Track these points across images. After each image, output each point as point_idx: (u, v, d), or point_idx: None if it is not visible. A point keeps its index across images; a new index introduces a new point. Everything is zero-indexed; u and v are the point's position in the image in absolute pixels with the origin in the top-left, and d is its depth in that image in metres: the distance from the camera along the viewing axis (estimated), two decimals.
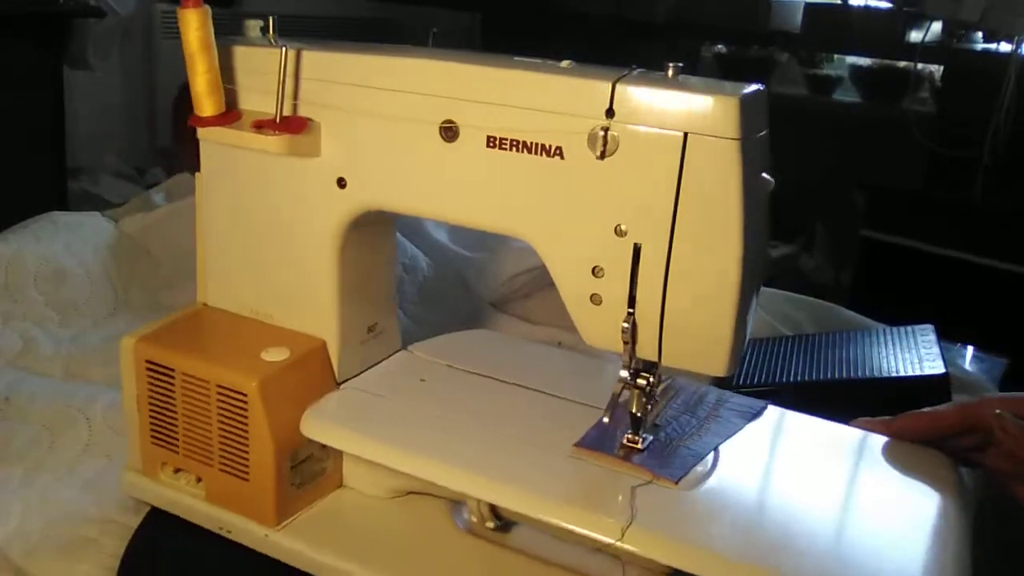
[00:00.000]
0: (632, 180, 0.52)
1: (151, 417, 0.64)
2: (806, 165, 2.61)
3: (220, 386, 0.59)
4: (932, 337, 0.86)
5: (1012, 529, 0.64)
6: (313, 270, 0.63)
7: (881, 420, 0.64)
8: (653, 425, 0.60)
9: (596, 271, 0.54)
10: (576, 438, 0.58)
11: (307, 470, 0.62)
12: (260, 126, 0.59)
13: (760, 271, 0.54)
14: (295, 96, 0.60)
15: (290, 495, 0.61)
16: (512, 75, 0.54)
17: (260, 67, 0.61)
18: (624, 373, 0.56)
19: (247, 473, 0.60)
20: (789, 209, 2.72)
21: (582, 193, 0.53)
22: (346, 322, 0.64)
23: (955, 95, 2.20)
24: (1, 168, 1.82)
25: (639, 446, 0.57)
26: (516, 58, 0.57)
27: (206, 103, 0.58)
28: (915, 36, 2.20)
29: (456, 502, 0.62)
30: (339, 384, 0.65)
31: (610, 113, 0.51)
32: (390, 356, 0.70)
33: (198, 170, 0.66)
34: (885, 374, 0.80)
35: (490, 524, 0.59)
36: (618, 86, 0.51)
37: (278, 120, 0.58)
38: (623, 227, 0.53)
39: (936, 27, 2.20)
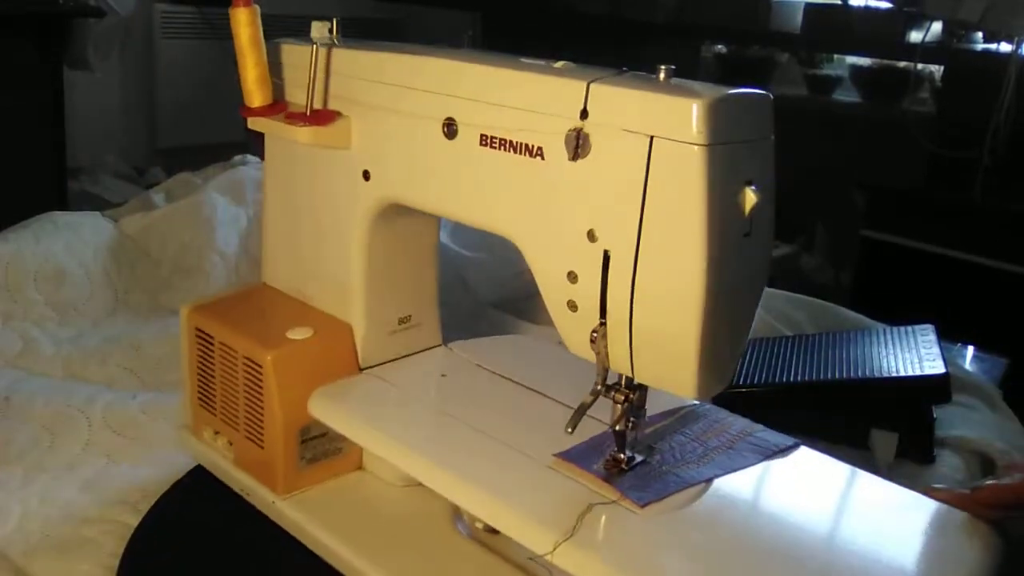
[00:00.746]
0: (603, 183, 0.50)
1: (198, 380, 0.69)
2: (806, 165, 2.61)
3: (245, 357, 0.63)
4: (932, 337, 0.86)
5: None
6: (342, 257, 0.66)
7: (959, 493, 0.56)
8: (648, 446, 0.57)
9: (571, 276, 0.52)
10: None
11: (319, 447, 0.63)
12: (292, 118, 0.62)
13: (754, 287, 0.51)
14: (326, 91, 0.64)
15: (299, 468, 0.63)
16: (499, 73, 0.54)
17: (301, 63, 0.65)
18: (599, 386, 0.53)
19: (262, 442, 0.63)
20: (789, 209, 2.72)
21: (558, 195, 0.52)
22: (373, 310, 0.66)
23: (955, 95, 2.20)
24: (1, 168, 1.82)
25: (623, 465, 0.54)
26: (511, 57, 0.57)
27: (255, 95, 0.63)
28: (915, 36, 2.20)
29: None
30: (362, 369, 0.66)
31: (584, 114, 0.50)
32: (427, 350, 0.70)
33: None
34: (885, 374, 0.80)
35: (479, 523, 0.58)
36: (593, 87, 0.49)
37: (308, 113, 0.62)
38: (596, 232, 0.50)
39: (936, 27, 2.20)
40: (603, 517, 0.50)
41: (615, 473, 0.54)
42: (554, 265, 0.53)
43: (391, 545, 0.59)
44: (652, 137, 0.47)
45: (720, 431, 0.59)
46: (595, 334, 0.52)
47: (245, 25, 0.62)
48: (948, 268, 1.98)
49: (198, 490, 0.68)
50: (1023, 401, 0.93)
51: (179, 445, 0.71)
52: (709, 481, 0.54)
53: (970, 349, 1.05)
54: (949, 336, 0.96)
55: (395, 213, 0.64)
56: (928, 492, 0.56)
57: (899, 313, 1.00)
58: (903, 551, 0.50)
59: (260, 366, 0.62)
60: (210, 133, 2.65)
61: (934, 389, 0.78)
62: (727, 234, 0.47)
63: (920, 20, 2.18)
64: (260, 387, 0.62)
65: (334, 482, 0.65)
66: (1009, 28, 1.95)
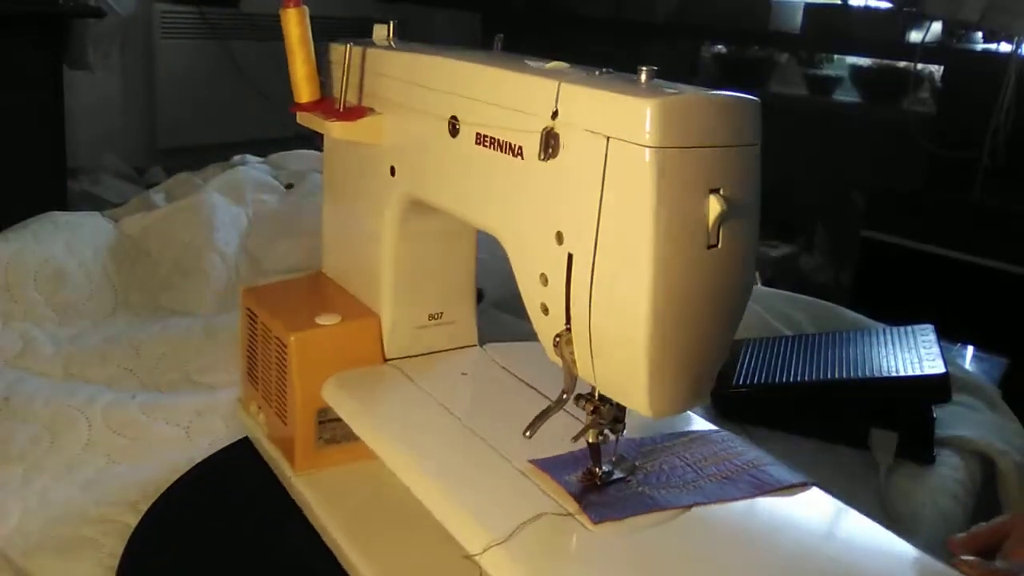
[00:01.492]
0: (568, 184, 0.48)
1: (247, 357, 0.73)
2: (806, 165, 2.61)
3: (276, 336, 0.67)
4: (932, 337, 0.86)
5: None
6: (373, 249, 0.68)
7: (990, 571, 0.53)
8: (633, 464, 0.54)
9: (543, 278, 0.50)
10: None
11: (338, 430, 0.65)
12: (327, 113, 0.65)
13: (725, 303, 0.48)
14: (362, 89, 0.66)
15: (316, 448, 0.66)
16: (489, 72, 0.54)
17: (342, 62, 0.66)
18: (565, 394, 0.52)
19: (286, 419, 0.66)
20: (789, 209, 2.73)
21: (532, 195, 0.51)
22: (400, 303, 0.67)
23: (955, 96, 2.20)
24: (1, 168, 1.82)
25: (597, 480, 0.52)
26: (508, 57, 0.57)
27: (303, 91, 0.66)
28: (915, 36, 2.20)
29: None
30: (387, 360, 0.67)
31: (555, 114, 0.49)
32: (459, 349, 0.70)
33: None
34: (885, 374, 0.80)
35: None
36: (563, 87, 0.48)
37: (341, 109, 0.64)
38: (563, 234, 0.49)
39: (936, 27, 2.20)
40: (549, 528, 0.49)
41: (588, 487, 0.52)
42: (529, 266, 0.52)
43: (385, 537, 0.59)
44: (608, 138, 0.45)
45: (723, 459, 0.56)
46: (558, 339, 0.50)
47: (295, 25, 0.66)
48: (948, 268, 1.98)
49: (198, 490, 0.68)
50: (1023, 401, 0.93)
51: (236, 418, 0.75)
52: (687, 508, 0.51)
53: (970, 349, 1.05)
54: (949, 336, 0.96)
55: (424, 209, 0.64)
56: (958, 565, 0.52)
57: (899, 313, 1.00)
58: None
59: (285, 346, 0.65)
60: (210, 133, 2.65)
61: (934, 389, 0.78)
62: (683, 244, 0.45)
63: (920, 20, 2.18)
64: (286, 366, 0.65)
65: (351, 466, 0.66)
66: (1009, 28, 1.95)
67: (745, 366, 0.87)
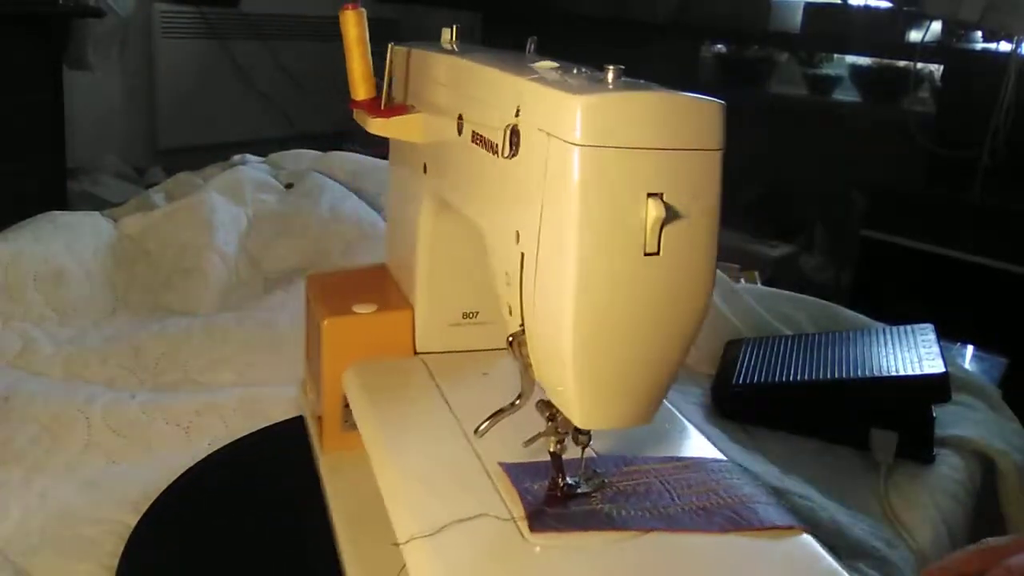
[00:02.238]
0: (524, 183, 0.47)
1: (306, 339, 0.76)
2: (806, 165, 2.61)
3: (317, 320, 0.69)
4: (932, 336, 0.86)
5: None
6: (411, 244, 0.69)
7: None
8: (604, 480, 0.52)
9: (507, 277, 0.49)
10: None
11: None
12: (370, 110, 0.67)
13: (669, 315, 0.45)
14: (407, 88, 0.69)
15: (342, 430, 0.67)
16: (482, 71, 0.54)
17: (398, 63, 0.69)
18: (518, 397, 0.50)
19: (320, 400, 0.68)
20: (789, 209, 2.72)
21: (500, 192, 0.50)
22: (433, 298, 0.68)
23: (955, 95, 2.20)
24: (1, 168, 1.82)
25: (557, 491, 0.51)
26: (505, 57, 0.57)
27: (360, 89, 0.68)
28: (915, 36, 2.20)
29: None
30: (417, 353, 0.69)
31: (517, 112, 0.48)
32: (493, 350, 0.70)
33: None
34: (885, 373, 0.80)
35: None
36: (525, 84, 0.47)
37: (383, 106, 0.66)
38: (520, 233, 0.48)
39: (936, 27, 2.20)
40: (483, 529, 0.48)
41: (547, 497, 0.50)
42: (497, 264, 0.52)
43: (381, 531, 0.59)
44: (549, 135, 0.44)
45: (710, 490, 0.52)
46: (512, 339, 0.49)
47: (353, 25, 0.68)
48: (948, 268, 1.98)
49: (198, 490, 0.68)
50: (1022, 401, 0.93)
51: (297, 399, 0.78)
52: (644, 531, 0.49)
53: (970, 349, 1.05)
54: (949, 336, 0.96)
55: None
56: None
57: (899, 313, 1.00)
58: None
59: (319, 329, 0.67)
60: (210, 133, 2.65)
61: (934, 388, 0.78)
62: (615, 249, 0.43)
63: (920, 20, 2.18)
64: (320, 349, 0.67)
65: None
66: (1009, 27, 1.95)
67: (745, 366, 0.87)
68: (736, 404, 0.85)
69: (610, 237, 0.43)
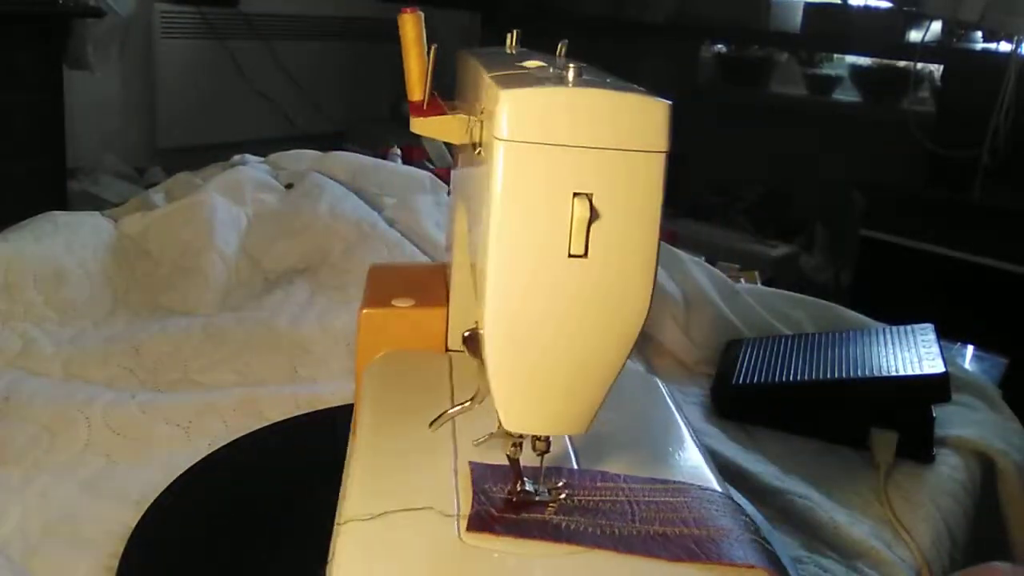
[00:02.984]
0: (482, 183, 0.46)
1: None
2: (806, 165, 2.61)
3: (359, 310, 0.70)
4: (932, 336, 0.86)
5: None
6: (450, 243, 0.71)
7: None
8: (567, 492, 0.51)
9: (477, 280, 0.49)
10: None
11: None
12: (414, 110, 0.67)
13: (602, 322, 0.44)
14: (456, 89, 0.69)
15: None
16: (480, 73, 0.54)
17: (460, 66, 0.68)
18: (471, 397, 0.50)
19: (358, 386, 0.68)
20: (789, 208, 2.72)
21: (476, 191, 0.50)
22: (467, 298, 0.67)
23: (955, 95, 2.20)
24: (1, 168, 1.82)
25: (512, 495, 0.49)
26: (504, 58, 0.57)
27: (416, 90, 0.68)
28: (915, 36, 2.20)
29: None
30: (447, 350, 0.69)
31: (482, 110, 0.48)
32: None
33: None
34: (885, 373, 0.80)
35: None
36: (488, 81, 0.46)
37: (425, 106, 0.66)
38: (477, 233, 0.48)
39: (936, 27, 2.20)
40: (420, 522, 0.48)
41: (501, 500, 0.49)
42: (477, 265, 0.52)
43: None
44: (492, 134, 0.44)
45: (680, 518, 0.50)
46: (466, 334, 0.49)
47: (411, 28, 0.68)
48: (948, 268, 1.98)
49: (198, 490, 0.68)
50: (1022, 400, 0.93)
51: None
52: (588, 548, 0.47)
53: (970, 348, 1.05)
54: (949, 336, 0.96)
55: None
56: None
57: (899, 312, 1.00)
58: None
59: (358, 319, 0.68)
60: (210, 133, 2.65)
61: (934, 388, 0.78)
62: (535, 249, 0.42)
63: (920, 19, 2.18)
64: (357, 338, 0.69)
65: None
66: (1008, 27, 1.95)
67: (745, 365, 0.87)
68: (736, 404, 0.85)
69: (531, 237, 0.42)
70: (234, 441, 0.73)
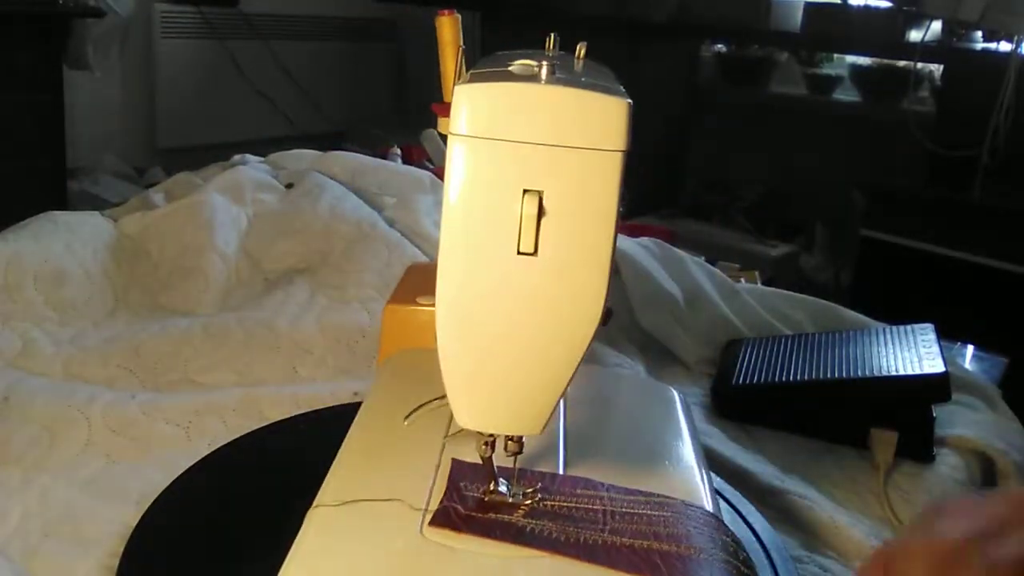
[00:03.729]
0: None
1: None
2: (806, 165, 2.61)
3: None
4: (932, 336, 0.86)
5: None
6: None
7: None
8: (539, 496, 0.50)
9: None
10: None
11: None
12: (439, 110, 0.68)
13: (552, 320, 0.43)
14: None
15: None
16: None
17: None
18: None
19: None
20: (789, 208, 2.72)
21: None
22: None
23: (955, 95, 2.20)
24: (1, 168, 1.82)
25: (484, 495, 0.49)
26: (503, 58, 0.57)
27: (450, 91, 0.69)
28: (915, 36, 2.20)
29: None
30: None
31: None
32: None
33: None
34: (885, 373, 0.80)
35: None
36: (467, 77, 0.46)
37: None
38: None
39: (936, 26, 2.20)
40: (386, 513, 0.48)
41: (473, 499, 0.49)
42: None
43: None
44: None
45: (652, 532, 0.48)
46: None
47: (448, 29, 0.69)
48: (948, 267, 1.98)
49: (198, 490, 0.68)
50: (1023, 400, 0.93)
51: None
52: (547, 553, 0.46)
53: (970, 348, 1.05)
54: (949, 335, 0.96)
55: None
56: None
57: (899, 312, 1.00)
58: None
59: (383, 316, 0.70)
60: (210, 133, 2.65)
61: (934, 388, 0.78)
62: (483, 245, 0.42)
63: (920, 19, 2.18)
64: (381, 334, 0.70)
65: None
66: (1008, 27, 1.95)
67: (744, 365, 0.87)
68: (736, 404, 0.85)
69: (481, 233, 0.42)
70: (234, 441, 0.73)
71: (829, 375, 0.82)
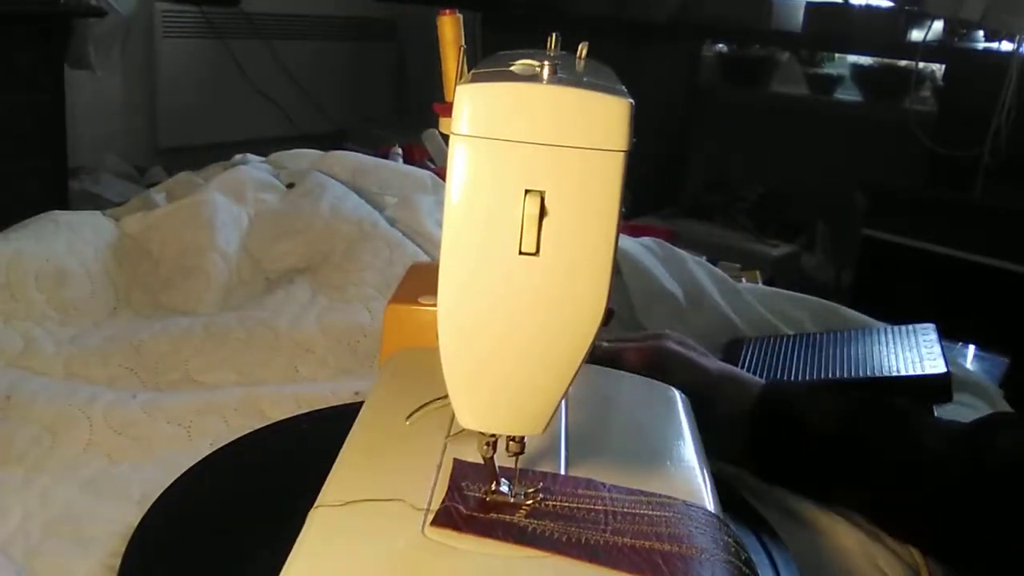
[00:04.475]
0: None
1: None
2: (807, 164, 2.61)
3: None
4: (933, 336, 0.86)
5: None
6: None
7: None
8: (541, 497, 0.50)
9: None
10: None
11: None
12: (441, 110, 0.68)
13: (556, 323, 0.43)
14: None
15: None
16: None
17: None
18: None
19: None
20: (790, 208, 2.72)
21: None
22: None
23: (956, 94, 2.20)
24: (1, 168, 1.82)
25: (484, 495, 0.49)
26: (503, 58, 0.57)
27: (451, 91, 0.68)
28: (916, 35, 2.20)
29: None
30: None
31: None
32: None
33: None
34: (887, 373, 0.80)
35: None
36: (472, 76, 0.46)
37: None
38: None
39: (937, 26, 2.20)
40: (389, 512, 0.48)
41: (475, 499, 0.49)
42: None
43: None
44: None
45: (654, 532, 0.48)
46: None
47: (450, 28, 0.69)
48: (949, 267, 1.98)
49: (199, 489, 0.68)
50: (1023, 400, 0.93)
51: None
52: (548, 553, 0.46)
53: (971, 348, 1.05)
54: (950, 335, 0.96)
55: None
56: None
57: (900, 312, 1.00)
58: None
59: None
60: (211, 133, 2.65)
61: (935, 388, 0.78)
62: (486, 245, 0.42)
63: (921, 19, 2.18)
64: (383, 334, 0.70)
65: None
66: (1010, 27, 1.95)
67: (746, 365, 0.87)
68: None
69: (483, 233, 0.42)
70: (235, 440, 0.73)
71: (830, 375, 0.82)
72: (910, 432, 0.65)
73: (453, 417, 0.50)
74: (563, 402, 0.62)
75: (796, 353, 0.87)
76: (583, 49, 0.53)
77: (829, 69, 2.66)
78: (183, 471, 0.69)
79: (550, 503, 0.50)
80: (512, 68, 0.45)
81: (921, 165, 2.22)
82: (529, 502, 0.50)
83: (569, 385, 0.46)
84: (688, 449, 0.59)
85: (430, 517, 0.48)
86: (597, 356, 0.77)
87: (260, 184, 1.15)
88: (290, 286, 0.98)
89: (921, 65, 2.28)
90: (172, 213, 1.05)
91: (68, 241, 0.98)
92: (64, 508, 0.65)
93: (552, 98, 0.41)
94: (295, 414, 0.76)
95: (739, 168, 2.79)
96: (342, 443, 0.64)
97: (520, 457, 0.51)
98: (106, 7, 2.13)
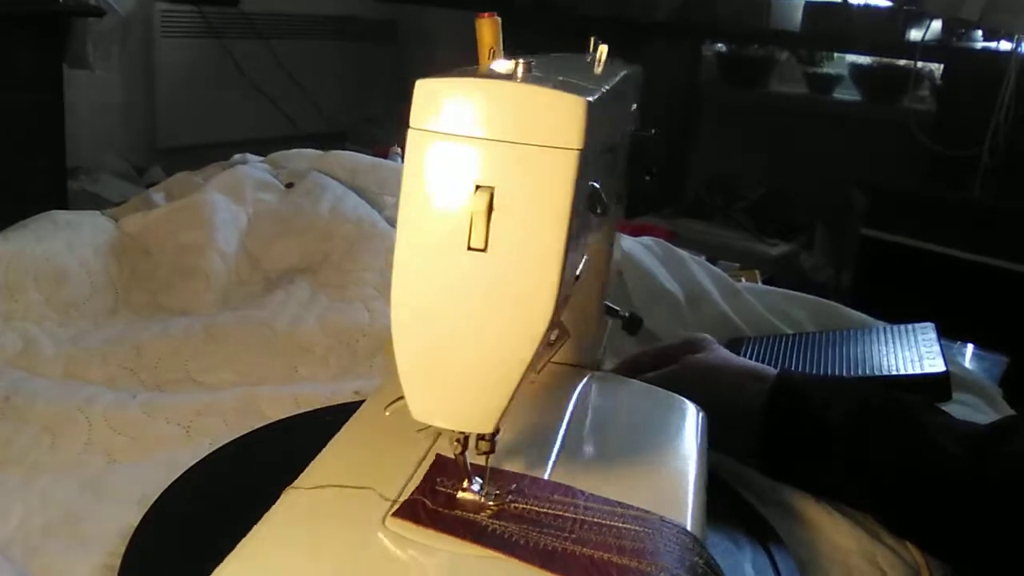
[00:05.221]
0: None
1: None
2: (806, 164, 2.61)
3: None
4: (933, 335, 0.86)
5: None
6: None
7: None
8: (510, 498, 0.49)
9: None
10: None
11: None
12: None
13: (504, 317, 0.43)
14: None
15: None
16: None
17: None
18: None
19: None
20: (789, 207, 2.72)
21: None
22: None
23: (955, 94, 2.20)
24: (1, 168, 1.82)
25: (454, 492, 0.49)
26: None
27: None
28: (915, 35, 2.20)
29: None
30: None
31: None
32: (564, 364, 0.68)
33: None
34: (886, 372, 0.80)
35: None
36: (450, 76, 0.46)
37: None
38: None
39: (936, 26, 2.20)
40: (356, 500, 0.48)
41: (443, 495, 0.49)
42: None
43: None
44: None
45: (620, 546, 0.47)
46: None
47: (488, 32, 0.68)
48: (948, 266, 1.98)
49: (199, 489, 0.68)
50: (1023, 400, 0.93)
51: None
52: (504, 555, 0.46)
53: (970, 347, 1.05)
54: (949, 334, 0.96)
55: None
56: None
57: (899, 311, 1.00)
58: None
59: None
60: (210, 132, 2.65)
61: (934, 387, 0.79)
62: (434, 240, 0.42)
63: (920, 18, 2.18)
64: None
65: None
66: (1009, 26, 1.95)
67: None
68: None
69: (432, 227, 0.42)
70: (235, 440, 0.73)
71: (830, 374, 0.82)
72: (921, 429, 0.65)
73: None
74: (569, 406, 0.62)
75: (795, 352, 0.87)
76: (602, 53, 0.53)
77: (828, 69, 2.66)
78: (183, 471, 0.69)
79: (519, 505, 0.49)
80: (492, 66, 0.46)
81: (920, 164, 2.22)
82: (492, 503, 0.49)
83: (519, 384, 0.45)
84: (685, 465, 0.58)
85: (394, 508, 0.48)
86: (628, 364, 0.77)
87: (259, 184, 1.15)
88: (290, 286, 0.98)
89: (920, 65, 2.28)
90: (171, 213, 1.05)
91: (68, 241, 0.98)
92: (64, 508, 0.65)
93: (504, 94, 0.41)
94: (295, 414, 0.76)
95: (738, 167, 2.79)
96: None
97: (511, 459, 0.51)
98: (105, 7, 2.13)
